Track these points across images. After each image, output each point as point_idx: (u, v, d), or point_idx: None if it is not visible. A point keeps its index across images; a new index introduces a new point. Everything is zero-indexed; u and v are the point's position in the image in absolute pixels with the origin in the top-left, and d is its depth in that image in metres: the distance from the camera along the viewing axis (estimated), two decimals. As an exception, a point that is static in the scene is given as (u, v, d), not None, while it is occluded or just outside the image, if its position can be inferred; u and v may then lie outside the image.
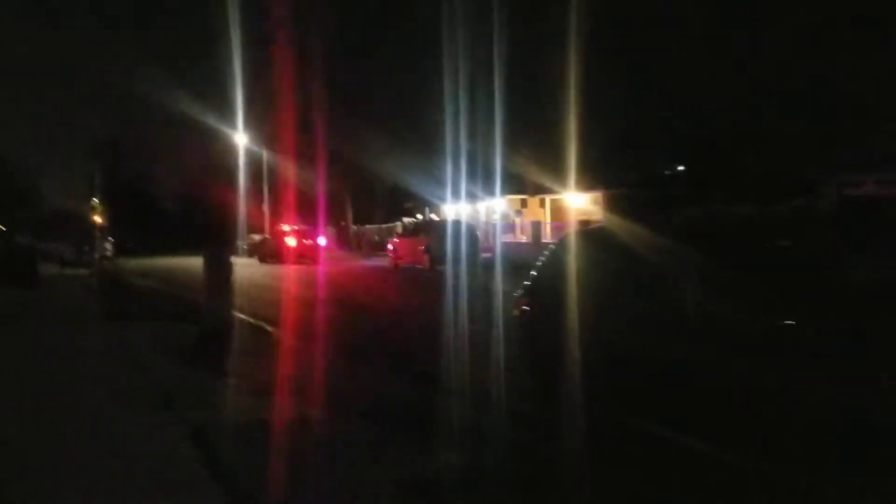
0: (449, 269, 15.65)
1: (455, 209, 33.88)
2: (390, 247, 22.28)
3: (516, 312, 4.49)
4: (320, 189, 32.27)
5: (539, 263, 4.42)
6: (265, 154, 34.55)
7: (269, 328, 8.08)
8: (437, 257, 18.50)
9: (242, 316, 8.48)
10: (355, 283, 14.74)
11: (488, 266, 16.73)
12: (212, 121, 30.28)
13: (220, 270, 7.40)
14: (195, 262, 7.67)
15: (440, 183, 27.53)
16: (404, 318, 9.03)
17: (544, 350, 3.88)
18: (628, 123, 24.29)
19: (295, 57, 27.87)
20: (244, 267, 17.12)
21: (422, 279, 16.44)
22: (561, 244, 4.38)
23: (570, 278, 4.00)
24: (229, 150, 32.27)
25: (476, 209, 33.65)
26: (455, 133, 23.28)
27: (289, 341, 7.40)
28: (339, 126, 29.99)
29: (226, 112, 29.81)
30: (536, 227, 23.35)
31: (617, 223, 4.05)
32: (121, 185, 35.03)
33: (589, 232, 4.34)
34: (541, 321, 4.03)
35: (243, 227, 30.13)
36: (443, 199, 31.03)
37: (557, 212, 30.30)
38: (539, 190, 29.67)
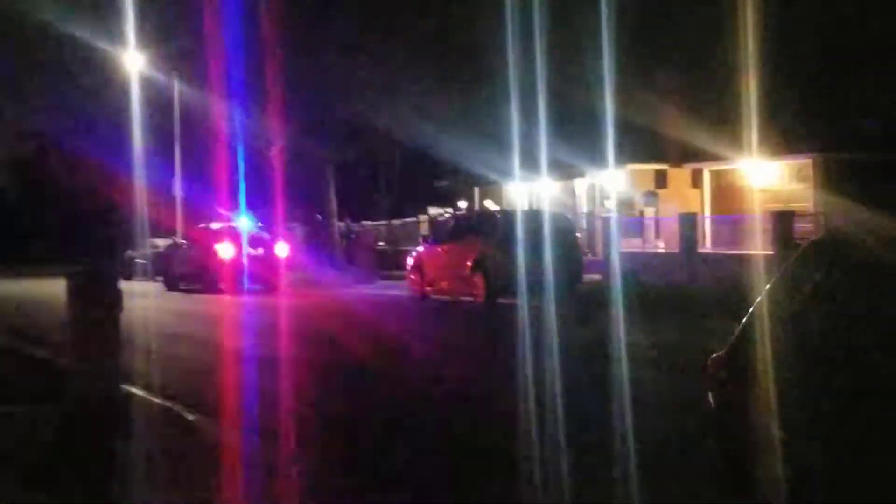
0: (523, 305, 15.34)
1: (527, 192, 34.12)
2: (412, 262, 22.36)
3: (710, 393, 4.20)
4: (278, 155, 32.51)
5: (763, 299, 4.11)
6: (177, 89, 34.98)
7: (186, 414, 8.07)
8: (498, 282, 18.29)
9: (137, 389, 8.77)
10: (343, 336, 14.51)
11: (599, 299, 16.39)
12: (78, 27, 30.70)
13: (96, 305, 7.54)
14: (52, 289, 7.66)
15: (498, 146, 28.53)
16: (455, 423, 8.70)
17: (758, 461, 3.81)
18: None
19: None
20: (141, 298, 17.45)
21: (475, 331, 16.23)
22: (802, 264, 4.03)
23: (828, 335, 3.67)
24: (112, 81, 32.73)
25: (568, 192, 33.73)
26: (526, 56, 23.98)
27: (227, 440, 7.37)
28: (315, 42, 30.93)
29: (107, 16, 30.26)
30: (688, 223, 22.98)
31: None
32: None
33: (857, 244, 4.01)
34: (756, 407, 3.77)
35: (138, 227, 30.45)
36: (505, 175, 31.62)
37: (724, 193, 30.54)
38: (688, 156, 30.24)
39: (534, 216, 20.50)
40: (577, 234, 21.35)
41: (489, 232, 19.62)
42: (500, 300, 18.53)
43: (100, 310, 7.62)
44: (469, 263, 19.74)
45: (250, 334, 15.12)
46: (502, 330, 13.11)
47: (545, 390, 8.38)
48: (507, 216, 20.47)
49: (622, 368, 9.16)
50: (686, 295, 19.27)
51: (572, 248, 19.97)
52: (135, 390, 8.79)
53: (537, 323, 13.11)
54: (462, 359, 12.07)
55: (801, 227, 22.22)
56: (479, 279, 19.42)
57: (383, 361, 11.45)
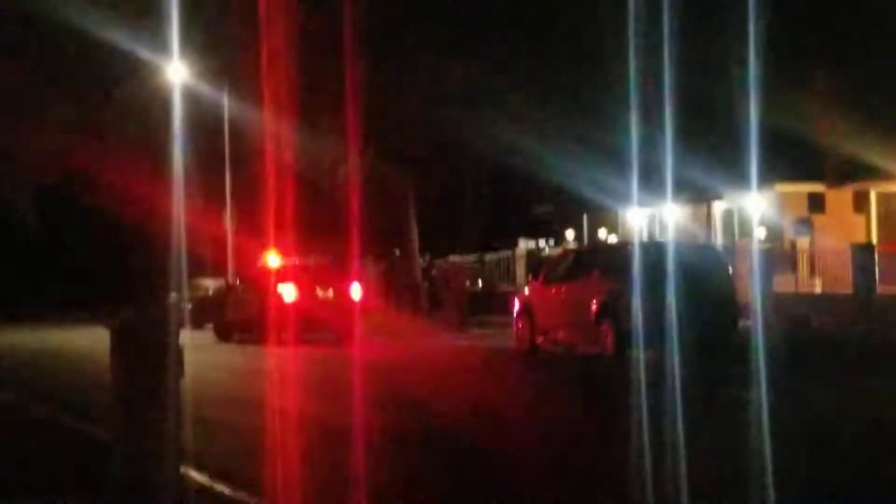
0: (665, 360, 14.60)
1: (649, 220, 33.77)
2: (518, 306, 22.02)
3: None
4: (350, 181, 32.34)
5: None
6: (228, 105, 35.07)
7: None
8: (632, 330, 17.43)
9: (197, 474, 8.45)
10: (441, 403, 13.86)
11: (765, 353, 15.48)
12: (112, 32, 30.73)
13: (149, 366, 7.23)
14: (89, 342, 7.31)
15: (614, 164, 28.33)
16: None
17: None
18: None
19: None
20: (190, 351, 16.70)
21: (606, 394, 15.36)
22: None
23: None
24: (153, 97, 32.83)
25: (699, 219, 33.29)
26: (648, 57, 23.58)
27: None
28: (394, 48, 31.01)
29: (147, 16, 30.26)
30: (865, 257, 21.82)
31: None
32: None
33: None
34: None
35: (179, 265, 30.33)
36: (621, 200, 31.07)
37: (895, 219, 29.66)
38: (851, 174, 29.40)
39: (676, 249, 19.74)
40: (730, 271, 20.41)
41: (619, 268, 18.81)
42: (632, 352, 17.61)
43: (154, 372, 7.18)
44: (594, 308, 19.23)
45: (329, 399, 14.55)
46: (637, 393, 12.26)
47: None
48: (642, 248, 19.73)
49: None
50: (868, 347, 18.34)
51: (725, 289, 19.16)
52: (195, 474, 8.39)
53: (687, 385, 12.34)
54: (594, 434, 11.30)
55: None
56: (607, 327, 18.84)
57: (491, 436, 10.84)
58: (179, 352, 7.37)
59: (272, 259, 28.06)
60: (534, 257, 33.70)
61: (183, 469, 7.86)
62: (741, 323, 19.53)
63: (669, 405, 10.91)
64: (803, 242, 29.12)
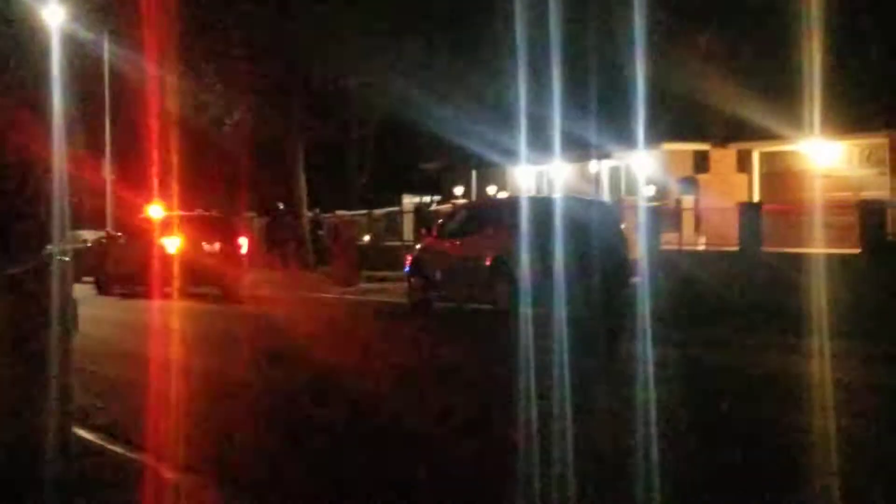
0: (559, 316, 14.50)
1: (537, 177, 33.77)
2: (410, 261, 21.88)
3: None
4: (234, 130, 31.75)
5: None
6: (108, 50, 34.13)
7: (165, 473, 7.24)
8: (524, 282, 17.28)
9: (89, 434, 8.13)
10: (342, 358, 13.56)
11: (655, 309, 15.54)
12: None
13: (36, 323, 6.91)
14: None
15: (502, 120, 28.14)
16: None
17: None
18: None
19: None
20: None
21: (507, 351, 15.23)
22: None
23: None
24: (32, 39, 31.60)
25: (587, 176, 33.39)
26: (536, 12, 23.40)
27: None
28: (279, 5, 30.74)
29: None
30: (751, 215, 21.98)
31: None
32: None
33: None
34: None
35: (58, 216, 29.63)
36: (509, 156, 31.01)
37: (777, 181, 30.14)
38: (736, 133, 29.70)
39: (570, 204, 19.68)
40: (623, 227, 20.43)
41: (513, 224, 18.58)
42: (526, 309, 17.43)
43: (42, 326, 6.84)
44: (488, 262, 18.99)
45: (216, 354, 14.26)
46: (528, 347, 12.07)
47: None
48: (537, 204, 19.55)
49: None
50: (753, 303, 18.55)
51: (618, 244, 19.13)
52: (86, 434, 7.98)
53: (578, 339, 12.41)
54: (485, 388, 11.19)
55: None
56: (501, 282, 18.57)
57: (381, 391, 10.64)
58: (73, 305, 7.11)
59: (155, 210, 27.48)
60: (422, 213, 33.47)
61: (79, 431, 7.65)
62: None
63: (559, 359, 10.87)
64: (688, 201, 29.43)
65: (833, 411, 8.84)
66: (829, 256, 19.10)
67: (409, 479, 6.95)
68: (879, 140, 27.36)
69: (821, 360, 11.96)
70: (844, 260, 19.35)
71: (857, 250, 19.86)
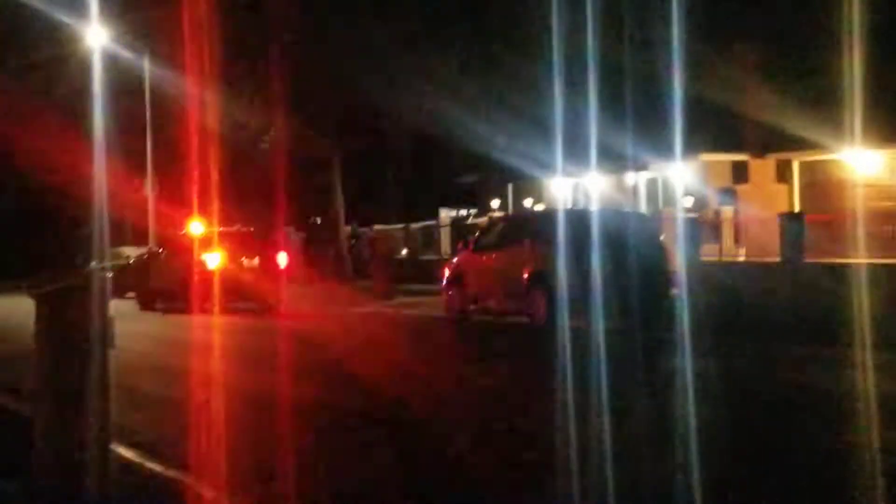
0: (597, 329, 14.35)
1: (577, 188, 33.69)
2: (448, 274, 21.87)
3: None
4: (273, 146, 31.86)
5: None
6: (149, 70, 34.41)
7: (206, 493, 7.12)
8: (560, 297, 17.16)
9: (128, 451, 8.03)
10: (380, 369, 13.50)
11: (694, 321, 15.32)
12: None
13: (76, 339, 6.74)
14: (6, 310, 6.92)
15: (538, 133, 28.16)
16: None
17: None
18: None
19: None
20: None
21: (542, 363, 14.99)
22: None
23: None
24: (73, 61, 31.95)
25: (623, 188, 33.31)
26: (573, 24, 23.37)
27: None
28: (315, 12, 30.99)
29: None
30: (793, 226, 21.65)
31: None
32: None
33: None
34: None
35: (100, 232, 29.75)
36: (547, 168, 30.90)
37: (818, 191, 29.92)
38: (775, 144, 29.54)
39: (608, 216, 19.57)
40: (662, 238, 20.24)
41: (551, 236, 18.45)
42: (565, 322, 17.31)
43: (79, 341, 6.70)
44: (526, 276, 18.92)
45: (257, 370, 14.11)
46: (568, 360, 11.99)
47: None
48: (575, 216, 19.47)
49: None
50: (795, 314, 18.27)
51: (657, 256, 18.95)
52: (125, 452, 7.94)
53: (618, 353, 12.34)
54: (527, 402, 11.09)
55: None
56: (539, 295, 18.53)
57: (422, 405, 10.58)
58: (109, 321, 6.90)
59: (196, 226, 27.47)
60: (459, 226, 33.40)
61: (117, 448, 7.50)
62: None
63: (600, 373, 10.69)
64: (727, 212, 29.22)
65: (876, 422, 8.74)
66: (873, 266, 18.81)
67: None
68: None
69: (864, 372, 11.76)
70: (889, 270, 19.06)
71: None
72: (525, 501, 7.05)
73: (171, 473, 7.49)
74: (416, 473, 7.86)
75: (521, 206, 35.27)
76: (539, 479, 7.63)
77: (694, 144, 26.80)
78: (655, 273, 18.24)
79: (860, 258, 19.70)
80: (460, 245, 23.98)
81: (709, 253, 25.41)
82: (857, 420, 9.19)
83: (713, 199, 30.03)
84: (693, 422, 8.49)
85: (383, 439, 8.93)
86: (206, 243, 25.25)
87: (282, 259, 25.70)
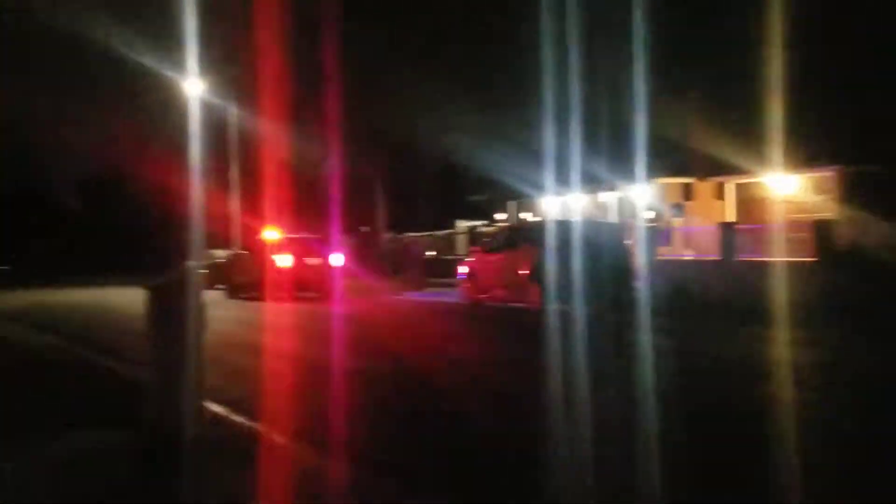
0: (578, 312, 14.18)
1: (560, 205, 33.38)
2: (465, 270, 21.54)
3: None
4: (331, 171, 31.63)
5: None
6: (233, 113, 34.24)
7: (277, 438, 6.95)
8: (551, 288, 16.93)
9: (217, 407, 7.81)
10: (416, 342, 13.33)
11: (651, 305, 15.21)
12: (147, 56, 29.82)
13: (178, 321, 6.75)
14: (115, 298, 6.66)
15: (533, 161, 27.88)
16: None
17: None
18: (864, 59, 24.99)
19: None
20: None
21: (531, 337, 15.01)
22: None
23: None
24: (175, 106, 31.87)
25: (598, 204, 32.89)
26: (561, 74, 23.13)
27: (317, 463, 6.22)
28: (358, 70, 30.54)
29: (171, 44, 29.39)
30: (729, 232, 21.51)
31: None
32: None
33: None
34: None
35: (197, 238, 29.65)
36: (539, 189, 30.54)
37: (747, 206, 29.37)
38: (715, 170, 29.09)
39: (588, 225, 19.31)
40: (629, 242, 20.02)
41: (544, 241, 18.25)
42: (553, 306, 17.18)
43: (180, 323, 6.70)
44: (525, 272, 18.65)
45: (317, 344, 13.91)
46: (559, 335, 12.09)
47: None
48: (562, 225, 19.22)
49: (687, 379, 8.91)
50: (731, 300, 18.10)
51: (625, 256, 18.72)
52: (215, 408, 7.69)
53: (595, 329, 12.27)
54: (527, 367, 10.63)
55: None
56: (535, 286, 18.27)
57: (446, 368, 10.37)
58: (202, 308, 6.87)
59: (270, 233, 27.31)
60: (473, 233, 33.16)
61: (209, 405, 7.40)
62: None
63: (579, 344, 10.72)
64: (678, 222, 28.89)
65: (789, 380, 8.77)
66: (789, 263, 18.63)
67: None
68: (828, 173, 26.66)
69: (781, 344, 11.67)
70: (802, 266, 18.89)
71: (812, 258, 19.35)
72: (517, 425, 6.91)
73: (250, 424, 7.36)
74: (440, 416, 7.75)
75: (521, 218, 34.95)
76: (530, 408, 7.52)
77: (653, 170, 26.51)
78: (622, 269, 18.08)
79: (778, 257, 19.50)
80: (473, 248, 23.80)
81: (663, 253, 25.20)
82: (774, 377, 9.15)
83: (667, 212, 29.63)
84: (649, 379, 8.47)
85: (415, 395, 8.82)
86: (278, 247, 25.06)
87: (337, 259, 25.35)
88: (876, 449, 6.37)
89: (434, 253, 35.59)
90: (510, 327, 16.61)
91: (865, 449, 6.36)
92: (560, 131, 24.39)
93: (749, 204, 29.34)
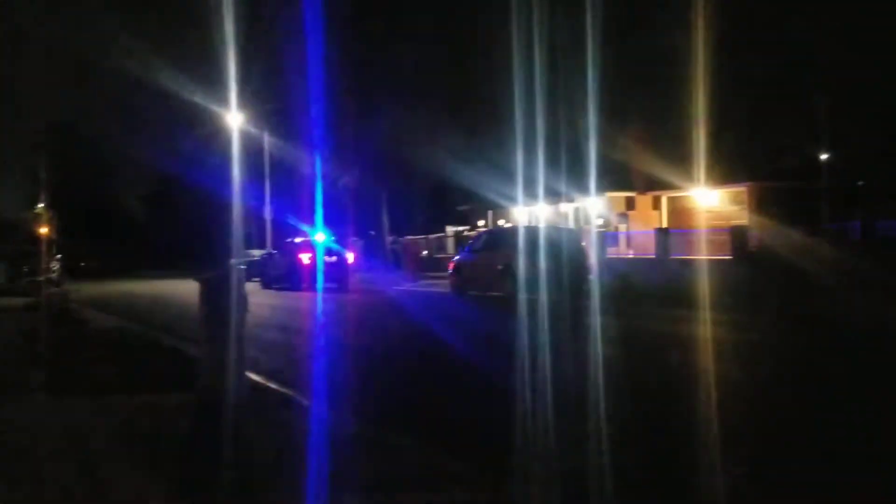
0: (543, 299, 14.11)
1: (528, 213, 33.35)
2: (452, 266, 21.43)
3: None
4: (345, 186, 31.53)
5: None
6: (267, 140, 34.10)
7: (303, 400, 6.96)
8: (521, 281, 16.98)
9: (256, 377, 7.79)
10: (415, 323, 13.35)
11: (602, 294, 15.27)
12: (196, 95, 29.79)
13: (224, 306, 6.48)
14: (172, 289, 6.51)
15: (506, 177, 27.61)
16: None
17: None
18: (768, 96, 25.38)
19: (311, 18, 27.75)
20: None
21: (506, 318, 15.04)
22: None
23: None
24: (220, 134, 31.77)
25: (559, 213, 32.87)
26: (528, 106, 23.10)
27: (348, 427, 6.16)
28: (367, 104, 30.37)
29: (215, 84, 29.32)
30: (664, 236, 21.63)
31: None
32: (75, 185, 34.74)
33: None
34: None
35: (239, 241, 29.57)
36: (511, 200, 30.52)
37: (678, 214, 29.47)
38: (652, 185, 29.17)
39: (551, 231, 19.34)
40: (584, 244, 20.06)
41: (516, 243, 18.28)
42: (523, 295, 17.18)
43: (226, 310, 6.57)
44: (500, 268, 18.59)
45: (338, 325, 13.90)
46: (527, 317, 11.82)
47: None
48: (531, 230, 19.24)
49: (618, 349, 8.93)
50: (665, 290, 18.17)
51: (581, 255, 18.74)
52: (255, 377, 7.69)
53: (557, 312, 11.98)
54: (502, 341, 10.79)
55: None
56: (507, 279, 18.24)
57: (439, 343, 10.35)
58: (244, 296, 6.87)
59: (297, 236, 27.38)
60: (459, 237, 33.15)
61: (250, 375, 7.40)
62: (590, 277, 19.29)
63: (544, 324, 10.52)
64: (622, 227, 28.98)
65: (710, 352, 8.83)
66: (711, 261, 18.76)
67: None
68: (741, 189, 26.85)
69: (704, 325, 11.76)
70: (721, 263, 19.01)
71: (729, 257, 19.47)
72: (493, 378, 7.00)
73: (284, 390, 7.40)
74: (436, 378, 7.82)
75: (497, 224, 35.00)
76: (504, 367, 7.47)
77: (602, 185, 26.64)
78: (579, 265, 18.05)
79: (702, 256, 19.61)
80: (460, 248, 23.82)
81: (612, 252, 25.32)
82: (698, 351, 9.25)
83: (614, 220, 29.75)
84: (599, 351, 8.53)
85: (413, 366, 8.90)
86: (304, 247, 25.03)
87: (350, 257, 25.50)
88: (783, 400, 6.49)
89: (427, 252, 35.61)
90: (488, 312, 16.64)
91: (773, 398, 6.47)
92: (528, 153, 24.32)
93: (680, 213, 29.54)
